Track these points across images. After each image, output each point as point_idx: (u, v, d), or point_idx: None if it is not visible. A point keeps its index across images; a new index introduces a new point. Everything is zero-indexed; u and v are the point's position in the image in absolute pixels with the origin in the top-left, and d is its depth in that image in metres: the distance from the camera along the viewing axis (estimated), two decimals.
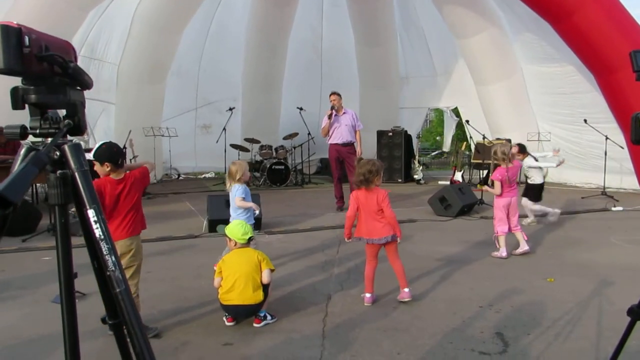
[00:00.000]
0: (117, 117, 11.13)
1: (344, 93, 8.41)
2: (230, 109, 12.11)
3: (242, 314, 3.58)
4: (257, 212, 4.61)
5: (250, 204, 4.57)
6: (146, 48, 10.71)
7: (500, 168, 5.32)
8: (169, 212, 8.10)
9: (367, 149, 10.19)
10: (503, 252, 5.26)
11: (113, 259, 1.31)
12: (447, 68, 13.11)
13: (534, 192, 6.96)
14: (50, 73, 1.30)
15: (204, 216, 6.98)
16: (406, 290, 3.88)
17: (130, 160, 10.28)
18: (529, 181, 7.00)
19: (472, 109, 12.24)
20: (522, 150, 6.81)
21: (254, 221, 4.77)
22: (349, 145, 8.03)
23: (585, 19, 8.62)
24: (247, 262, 3.56)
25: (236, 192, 4.57)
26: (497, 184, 5.27)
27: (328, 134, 8.07)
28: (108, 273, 1.31)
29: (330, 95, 8.04)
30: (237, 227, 3.71)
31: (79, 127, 1.39)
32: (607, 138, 9.20)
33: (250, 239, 3.71)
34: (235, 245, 3.68)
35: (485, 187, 5.50)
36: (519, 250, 5.36)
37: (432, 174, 14.34)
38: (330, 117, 7.86)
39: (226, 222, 4.10)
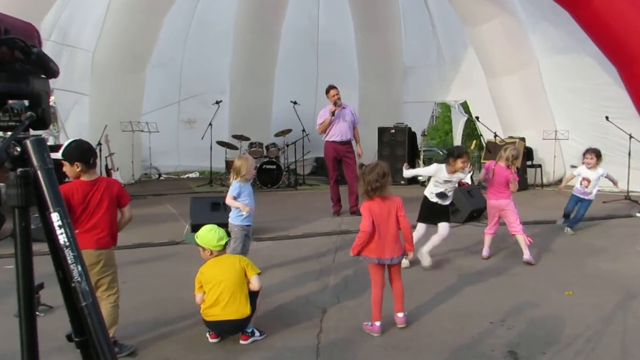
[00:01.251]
0: (91, 110, 11.12)
1: (341, 86, 8.43)
2: (217, 103, 12.02)
3: (227, 330, 3.56)
4: (244, 213, 4.67)
5: (238, 204, 4.63)
6: (125, 33, 10.71)
7: (493, 162, 5.63)
8: (148, 216, 8.11)
9: (368, 147, 10.23)
10: (484, 251, 5.66)
11: (79, 268, 1.28)
12: (455, 57, 13.17)
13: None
14: (11, 59, 1.26)
15: (187, 221, 7.00)
16: (400, 315, 3.80)
17: (106, 158, 10.28)
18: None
19: (482, 103, 12.27)
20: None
21: (250, 223, 4.83)
22: (348, 144, 8.07)
23: (606, 5, 8.65)
24: (230, 271, 3.50)
25: (230, 189, 4.67)
26: (482, 173, 5.64)
27: (326, 130, 8.10)
28: (73, 284, 1.27)
29: (329, 90, 8.04)
30: (211, 234, 3.58)
31: (43, 120, 1.36)
32: (631, 137, 9.19)
33: (226, 244, 3.65)
34: (211, 254, 3.57)
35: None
36: (523, 258, 5.50)
37: None
38: (333, 113, 7.92)
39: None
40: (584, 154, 6.95)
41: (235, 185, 4.65)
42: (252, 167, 4.73)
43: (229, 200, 4.66)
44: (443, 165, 5.11)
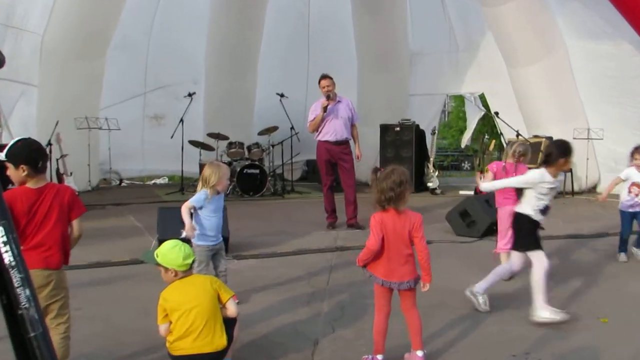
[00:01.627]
0: (40, 103, 11.07)
1: (337, 76, 8.43)
2: (190, 95, 11.91)
3: None
4: (184, 234, 4.52)
5: (186, 220, 4.51)
6: (80, 12, 10.61)
7: (499, 162, 5.71)
8: (108, 230, 8.07)
9: (367, 148, 10.09)
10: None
11: (27, 292, 1.28)
12: (471, 43, 13.16)
13: None
14: None
15: (153, 235, 6.95)
16: (420, 354, 3.71)
17: (57, 160, 10.22)
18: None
19: (503, 96, 12.20)
20: None
21: (218, 241, 4.75)
22: (344, 144, 8.06)
23: None
24: (203, 295, 3.43)
25: (192, 197, 4.62)
26: (488, 176, 5.49)
27: (317, 129, 8.05)
28: (20, 311, 1.26)
29: (320, 80, 8.02)
30: (175, 251, 3.46)
31: None
32: None
33: (192, 263, 3.56)
34: (176, 275, 3.46)
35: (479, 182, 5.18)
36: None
37: (452, 181, 14.39)
38: (325, 109, 7.93)
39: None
40: (632, 154, 6.50)
41: (200, 195, 4.58)
42: (225, 177, 4.65)
43: (183, 210, 4.53)
44: (543, 169, 4.71)
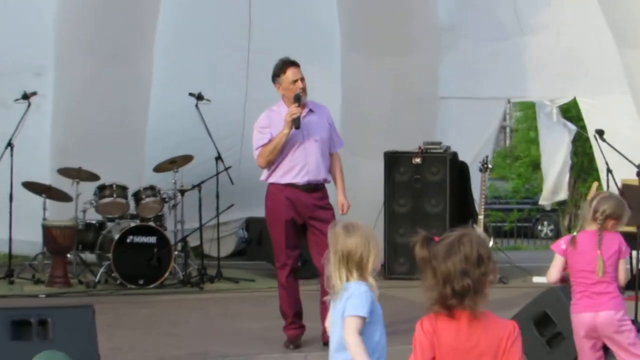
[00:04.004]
0: None
1: (302, 62, 6.44)
2: (26, 97, 8.72)
3: None
4: None
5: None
6: None
7: (567, 235, 5.06)
8: None
9: (360, 193, 8.10)
10: None
11: None
12: (548, 19, 10.04)
13: None
14: None
15: None
16: None
17: None
18: None
19: (608, 106, 9.61)
20: None
21: None
22: (320, 190, 6.40)
23: None
24: None
25: (348, 304, 3.32)
26: (554, 261, 4.74)
27: (273, 162, 6.28)
28: None
29: (285, 68, 6.31)
30: None
31: None
32: None
33: None
34: None
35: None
36: None
37: (519, 258, 11.14)
38: (297, 122, 6.19)
39: None
40: None
41: (365, 293, 3.30)
42: (379, 251, 3.47)
43: (357, 347, 3.27)
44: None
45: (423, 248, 2.82)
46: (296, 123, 5.98)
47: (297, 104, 6.00)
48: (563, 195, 11.08)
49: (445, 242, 2.82)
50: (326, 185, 6.38)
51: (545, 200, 11.09)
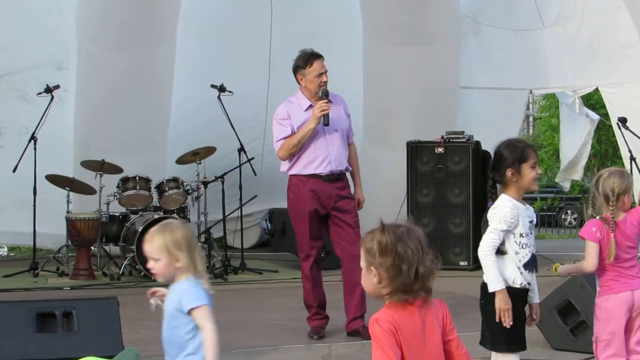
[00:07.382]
0: None
1: (324, 52, 6.39)
2: (49, 91, 8.71)
3: None
4: None
5: None
6: None
7: (594, 220, 4.74)
8: None
9: (380, 184, 8.74)
10: None
11: None
12: (569, 11, 10.07)
13: None
14: None
15: None
16: None
17: None
18: None
19: (630, 94, 9.49)
20: None
21: None
22: (342, 179, 6.42)
23: None
24: None
25: (182, 297, 3.31)
26: (591, 249, 4.58)
27: (294, 154, 6.29)
28: None
29: (311, 61, 6.20)
30: None
31: None
32: None
33: None
34: None
35: (558, 267, 5.15)
36: None
37: (544, 246, 10.98)
38: (327, 120, 6.12)
39: None
40: None
41: (190, 285, 3.35)
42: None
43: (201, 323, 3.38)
44: (505, 196, 4.31)
45: (388, 233, 2.79)
46: (325, 119, 5.94)
47: (326, 100, 5.97)
48: (578, 175, 11.02)
49: (400, 230, 2.84)
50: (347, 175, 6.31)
51: (559, 179, 11.31)
